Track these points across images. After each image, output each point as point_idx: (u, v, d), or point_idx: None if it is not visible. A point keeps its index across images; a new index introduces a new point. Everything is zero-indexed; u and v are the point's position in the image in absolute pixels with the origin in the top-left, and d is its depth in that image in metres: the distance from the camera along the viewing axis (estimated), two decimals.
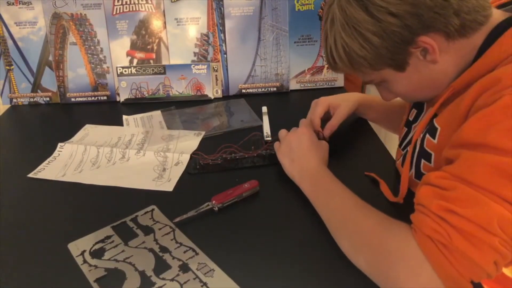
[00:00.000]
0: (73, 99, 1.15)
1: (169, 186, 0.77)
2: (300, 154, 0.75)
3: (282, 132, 0.82)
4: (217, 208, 0.69)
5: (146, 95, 1.14)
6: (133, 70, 1.12)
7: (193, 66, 1.12)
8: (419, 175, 0.66)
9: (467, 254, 0.47)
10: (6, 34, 1.10)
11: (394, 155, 0.83)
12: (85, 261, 0.61)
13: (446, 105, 0.61)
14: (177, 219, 0.67)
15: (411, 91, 0.65)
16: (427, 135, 0.63)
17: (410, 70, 0.61)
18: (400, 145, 0.78)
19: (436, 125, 0.61)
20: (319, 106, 0.88)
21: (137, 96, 1.14)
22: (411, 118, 0.76)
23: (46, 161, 0.86)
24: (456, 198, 0.49)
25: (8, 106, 1.15)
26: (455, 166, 0.52)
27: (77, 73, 1.13)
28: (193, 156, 0.86)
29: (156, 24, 1.11)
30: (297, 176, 0.74)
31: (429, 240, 0.50)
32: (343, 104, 0.88)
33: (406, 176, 0.66)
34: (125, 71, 1.12)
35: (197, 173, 0.81)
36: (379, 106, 0.93)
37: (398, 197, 0.68)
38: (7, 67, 1.12)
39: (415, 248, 0.51)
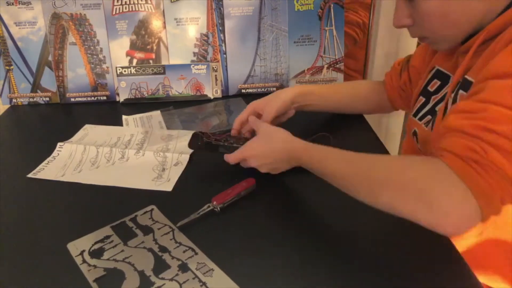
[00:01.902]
0: (72, 99, 1.15)
1: (168, 186, 0.77)
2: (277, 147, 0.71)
3: (263, 125, 0.76)
4: (218, 209, 0.69)
5: (146, 95, 1.14)
6: (133, 70, 1.12)
7: (193, 66, 1.12)
8: None
9: (501, 168, 0.47)
10: (6, 34, 1.10)
11: (393, 154, 0.83)
12: (84, 261, 0.61)
13: (477, 57, 0.59)
14: (180, 223, 0.66)
15: (438, 18, 0.60)
16: (460, 91, 0.61)
17: None
18: (415, 115, 0.75)
19: (470, 78, 0.59)
20: (244, 111, 0.84)
21: (137, 96, 1.14)
22: (431, 89, 0.73)
23: (46, 161, 0.86)
24: (489, 117, 0.48)
25: (8, 106, 1.15)
26: (482, 94, 0.51)
27: (77, 73, 1.13)
28: (197, 133, 0.81)
29: (155, 24, 1.11)
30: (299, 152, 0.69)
31: (460, 160, 0.49)
32: (272, 101, 0.84)
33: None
34: (125, 71, 1.12)
35: (197, 150, 0.80)
36: (321, 94, 0.91)
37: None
38: (7, 67, 1.12)
39: (446, 170, 0.50)
